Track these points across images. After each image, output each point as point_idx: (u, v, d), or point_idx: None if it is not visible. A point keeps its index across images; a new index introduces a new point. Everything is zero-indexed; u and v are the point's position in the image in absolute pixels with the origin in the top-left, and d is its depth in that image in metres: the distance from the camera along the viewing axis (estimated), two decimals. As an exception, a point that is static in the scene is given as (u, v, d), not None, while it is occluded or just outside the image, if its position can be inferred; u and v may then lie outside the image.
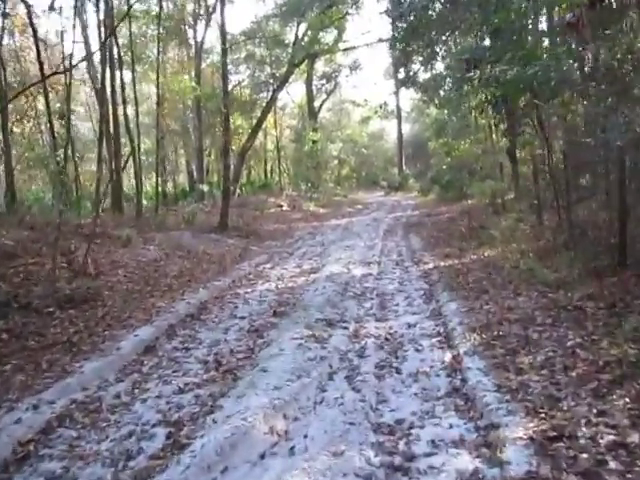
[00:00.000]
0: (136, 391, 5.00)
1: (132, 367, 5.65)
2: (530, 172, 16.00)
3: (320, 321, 6.67)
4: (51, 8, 11.14)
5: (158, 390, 4.98)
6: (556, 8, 9.57)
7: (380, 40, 22.32)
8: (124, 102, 17.53)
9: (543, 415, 3.86)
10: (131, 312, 7.55)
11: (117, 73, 17.16)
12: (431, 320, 6.73)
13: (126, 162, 23.80)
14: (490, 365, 4.89)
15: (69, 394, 4.88)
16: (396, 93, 36.58)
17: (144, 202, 32.66)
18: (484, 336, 5.65)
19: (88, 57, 19.54)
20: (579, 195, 9.44)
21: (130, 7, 13.89)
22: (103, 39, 15.48)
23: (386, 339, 6.08)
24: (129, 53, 21.36)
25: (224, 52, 16.25)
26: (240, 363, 5.55)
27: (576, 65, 8.34)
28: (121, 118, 18.04)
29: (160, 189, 34.50)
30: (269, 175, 39.98)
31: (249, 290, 9.07)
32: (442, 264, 10.04)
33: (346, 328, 6.45)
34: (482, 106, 13.94)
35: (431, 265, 10.11)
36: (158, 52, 19.92)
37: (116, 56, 17.44)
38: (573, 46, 8.50)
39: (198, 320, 7.39)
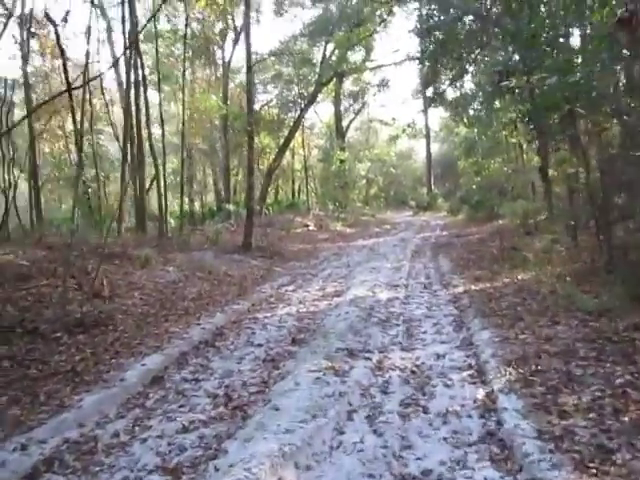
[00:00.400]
0: (137, 429, 4.55)
1: (135, 401, 5.20)
2: (564, 191, 15.40)
3: (341, 351, 6.16)
4: (64, 20, 10.87)
5: (161, 428, 4.52)
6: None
7: (408, 58, 21.96)
8: (148, 121, 17.25)
9: (594, 470, 3.32)
10: (142, 338, 7.13)
11: (143, 93, 16.91)
12: (461, 350, 6.18)
13: (152, 182, 23.70)
14: (529, 405, 4.34)
15: (63, 432, 4.44)
16: (425, 112, 36.08)
17: (171, 222, 32.72)
18: (521, 371, 5.10)
19: (99, 75, 19.31)
20: (619, 214, 8.82)
21: (151, 17, 13.63)
22: (125, 52, 15.32)
23: (412, 372, 5.55)
24: (155, 72, 21.35)
25: (249, 70, 15.94)
26: (252, 398, 5.08)
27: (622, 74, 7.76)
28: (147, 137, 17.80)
29: (187, 208, 34.59)
30: (296, 195, 39.70)
31: (268, 314, 8.61)
32: (473, 288, 9.47)
33: (369, 359, 5.94)
34: (514, 122, 13.32)
35: (461, 289, 9.55)
36: (184, 71, 19.75)
37: (141, 76, 17.23)
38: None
39: (212, 347, 6.94)
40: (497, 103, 17.01)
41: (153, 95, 25.77)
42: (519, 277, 9.91)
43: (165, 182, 20.94)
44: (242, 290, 10.79)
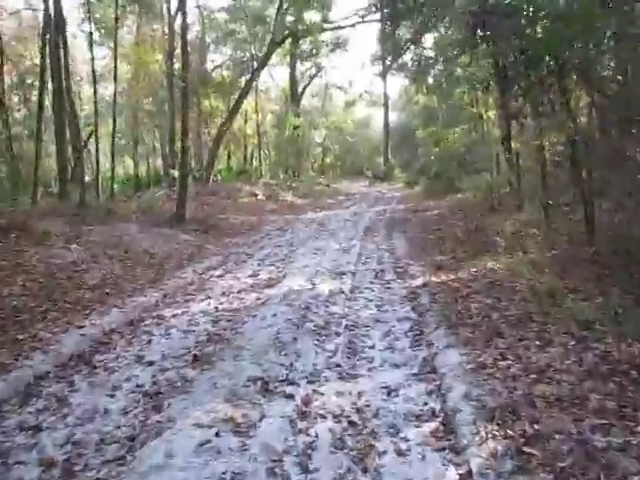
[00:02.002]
0: None
1: None
2: (533, 164, 13.80)
3: (254, 382, 4.32)
4: None
5: None
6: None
7: (368, 11, 19.58)
8: (67, 70, 14.92)
9: None
10: (-8, 350, 5.18)
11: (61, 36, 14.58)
12: (421, 382, 4.41)
13: (85, 143, 21.34)
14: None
15: None
16: (383, 77, 34.11)
17: (115, 187, 30.30)
18: (510, 433, 3.35)
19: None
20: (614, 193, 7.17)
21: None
22: None
23: (351, 423, 3.76)
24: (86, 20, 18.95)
25: (183, 15, 13.76)
26: (100, 474, 3.23)
27: None
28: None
29: (133, 173, 32.18)
30: (249, 162, 37.50)
31: (179, 311, 6.72)
32: (434, 280, 7.71)
33: (291, 397, 4.12)
34: (487, 82, 11.54)
35: (419, 281, 7.78)
36: (116, 18, 17.29)
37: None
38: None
39: (86, 365, 5.02)
40: (465, 58, 15.20)
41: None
42: (488, 266, 8.19)
43: (97, 143, 18.67)
44: (159, 274, 8.87)
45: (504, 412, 3.61)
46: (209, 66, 32.84)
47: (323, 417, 3.83)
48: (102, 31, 29.32)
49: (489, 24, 7.75)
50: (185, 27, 14.02)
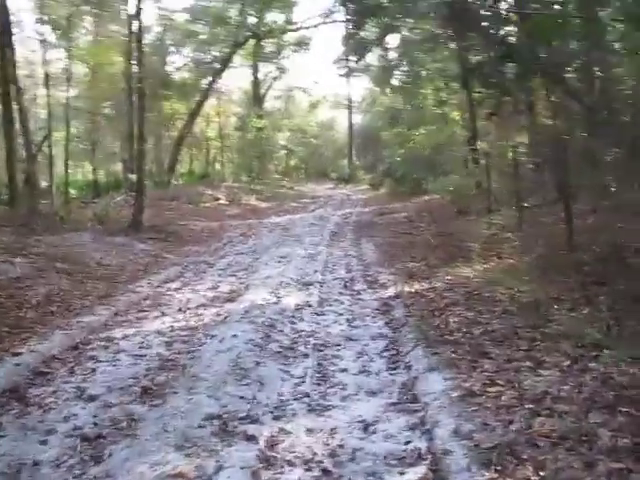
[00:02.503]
0: None
1: None
2: (499, 165, 13.51)
3: (210, 422, 3.72)
4: None
5: None
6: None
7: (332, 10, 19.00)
8: (14, 73, 14.06)
9: None
10: None
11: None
12: (402, 414, 3.86)
13: (39, 148, 20.33)
14: None
15: None
16: (347, 77, 33.67)
17: (73, 192, 29.24)
18: (512, 482, 2.83)
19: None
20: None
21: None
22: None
23: (324, 471, 3.19)
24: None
25: (137, 13, 13.06)
26: None
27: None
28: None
29: (92, 178, 31.10)
30: (211, 165, 36.71)
31: (131, 332, 6.06)
32: (407, 289, 7.20)
33: (253, 439, 3.53)
34: (465, 76, 11.09)
35: (391, 290, 7.25)
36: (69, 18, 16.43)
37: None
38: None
39: (18, 402, 4.35)
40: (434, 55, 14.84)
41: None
42: (464, 273, 7.73)
43: (51, 148, 17.81)
44: (112, 288, 8.17)
45: (502, 454, 3.08)
46: (170, 68, 32.02)
47: (291, 464, 3.26)
48: (58, 32, 28.37)
49: (464, 17, 7.28)
50: (140, 27, 13.28)
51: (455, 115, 26.99)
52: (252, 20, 30.29)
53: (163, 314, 6.73)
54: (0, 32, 14.17)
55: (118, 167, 35.55)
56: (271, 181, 30.91)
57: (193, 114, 27.93)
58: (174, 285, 8.33)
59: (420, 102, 26.99)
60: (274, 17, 31.12)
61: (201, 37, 29.39)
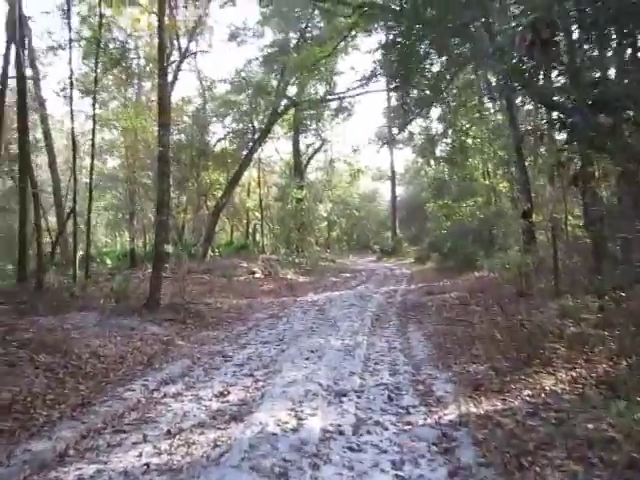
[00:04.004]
0: None
1: None
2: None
3: None
4: None
5: None
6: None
7: (372, 76, 17.77)
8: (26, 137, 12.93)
9: None
10: None
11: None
12: None
13: (67, 218, 19.17)
14: None
15: None
16: (389, 147, 32.37)
17: (108, 262, 28.13)
18: None
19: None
20: None
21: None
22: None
23: None
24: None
25: (161, 70, 11.82)
26: None
27: None
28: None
29: (129, 248, 30.06)
30: (251, 236, 35.49)
31: (89, 473, 4.29)
32: (473, 411, 5.26)
33: None
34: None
35: (452, 411, 5.30)
36: (95, 78, 15.44)
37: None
38: None
39: None
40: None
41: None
42: (546, 385, 5.77)
43: (75, 219, 16.60)
44: (96, 391, 6.45)
45: None
46: (212, 139, 31.34)
47: None
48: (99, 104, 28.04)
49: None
50: (164, 84, 12.03)
51: (503, 187, 25.27)
52: (292, 90, 29.53)
53: (145, 439, 4.94)
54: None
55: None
56: (311, 253, 29.31)
57: (231, 183, 26.83)
58: (174, 389, 6.54)
59: (468, 173, 25.37)
60: (316, 88, 30.24)
61: (241, 107, 28.60)
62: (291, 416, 5.21)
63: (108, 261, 27.59)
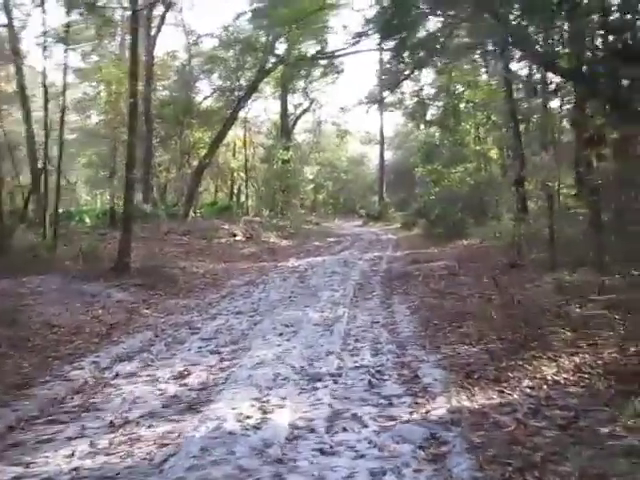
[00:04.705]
0: None
1: None
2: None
3: None
4: None
5: None
6: None
7: (362, 34, 16.60)
8: None
9: None
10: None
11: None
12: None
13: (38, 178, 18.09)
14: None
15: None
16: (379, 110, 31.36)
17: (87, 221, 27.18)
18: None
19: None
20: None
21: None
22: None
23: None
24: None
25: (133, 15, 10.76)
26: None
27: None
28: None
29: (109, 207, 29.09)
30: (235, 197, 34.54)
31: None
32: (466, 404, 4.51)
33: None
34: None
35: (442, 404, 4.53)
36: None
37: None
38: None
39: None
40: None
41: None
42: (548, 373, 5.05)
43: (46, 177, 15.61)
44: (40, 370, 5.67)
45: None
46: (198, 97, 30.15)
47: None
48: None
49: None
50: (136, 28, 10.96)
51: (494, 153, 24.49)
52: (282, 47, 28.25)
53: (82, 433, 4.17)
54: None
55: (139, 197, 33.68)
56: (295, 216, 28.48)
57: (216, 142, 25.79)
58: (129, 367, 5.77)
59: (459, 138, 24.53)
60: (306, 45, 28.91)
61: (227, 63, 27.36)
62: (255, 408, 4.45)
63: (87, 219, 26.54)
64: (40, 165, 18.10)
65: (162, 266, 11.82)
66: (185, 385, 5.19)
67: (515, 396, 4.62)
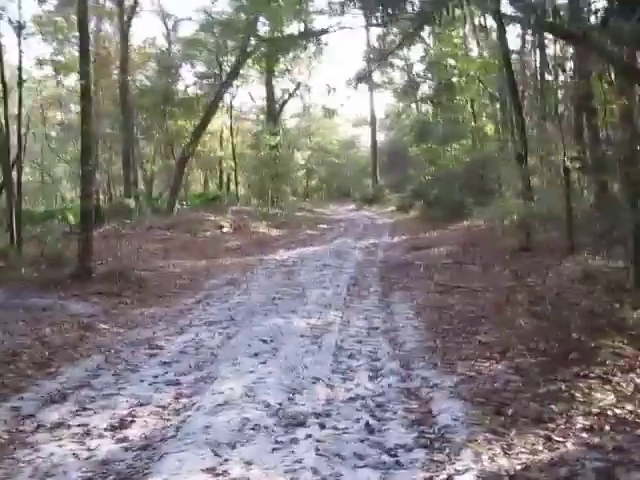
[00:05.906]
0: None
1: None
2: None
3: None
4: None
5: None
6: None
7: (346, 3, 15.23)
8: None
9: None
10: None
11: None
12: None
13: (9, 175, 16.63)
14: None
15: None
16: (370, 90, 29.87)
17: (71, 219, 25.74)
18: None
19: None
20: None
21: None
22: None
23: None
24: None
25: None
26: None
27: None
28: None
29: (94, 204, 27.58)
30: (226, 187, 33.12)
31: None
32: (503, 464, 3.20)
33: None
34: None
35: (468, 466, 3.22)
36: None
37: None
38: None
39: None
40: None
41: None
42: (607, 409, 3.73)
43: (19, 174, 14.12)
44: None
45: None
46: (180, 85, 28.66)
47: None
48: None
49: None
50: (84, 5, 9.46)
51: (489, 129, 23.13)
52: (264, 29, 26.68)
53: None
54: None
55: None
56: (287, 204, 27.10)
57: (199, 130, 24.35)
58: (58, 414, 4.40)
59: (453, 114, 23.16)
60: (289, 24, 27.32)
61: (207, 46, 25.84)
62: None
63: (71, 217, 25.09)
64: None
65: (132, 268, 10.44)
66: (123, 441, 3.85)
67: (569, 446, 3.29)
